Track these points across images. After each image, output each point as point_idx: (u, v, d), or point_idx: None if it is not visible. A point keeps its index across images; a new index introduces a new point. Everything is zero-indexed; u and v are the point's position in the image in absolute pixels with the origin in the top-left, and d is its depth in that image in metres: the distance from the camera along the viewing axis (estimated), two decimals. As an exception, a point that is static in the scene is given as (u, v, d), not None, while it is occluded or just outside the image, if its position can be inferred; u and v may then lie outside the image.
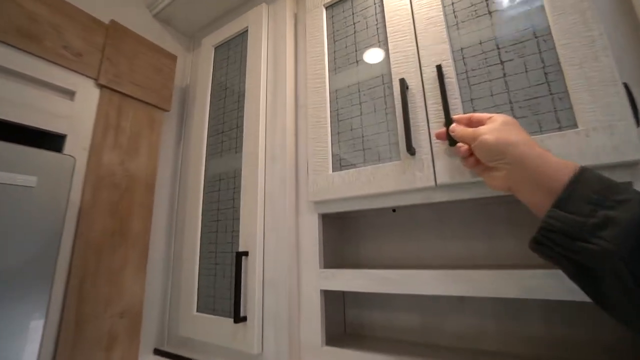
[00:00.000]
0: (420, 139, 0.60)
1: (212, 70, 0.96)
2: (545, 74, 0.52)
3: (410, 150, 0.58)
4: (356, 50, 0.74)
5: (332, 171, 0.70)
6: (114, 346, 0.74)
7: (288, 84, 0.81)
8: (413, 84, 0.63)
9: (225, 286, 0.76)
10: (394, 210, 0.86)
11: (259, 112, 0.80)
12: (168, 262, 0.92)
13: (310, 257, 0.70)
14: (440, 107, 0.58)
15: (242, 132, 0.83)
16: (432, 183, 0.57)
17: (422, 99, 0.61)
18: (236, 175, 0.81)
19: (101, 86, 0.80)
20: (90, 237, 0.72)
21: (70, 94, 0.76)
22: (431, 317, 0.71)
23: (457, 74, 0.59)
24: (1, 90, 0.64)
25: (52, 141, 0.73)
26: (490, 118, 0.44)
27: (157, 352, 0.85)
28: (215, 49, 0.98)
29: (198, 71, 0.99)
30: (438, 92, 0.59)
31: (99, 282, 0.73)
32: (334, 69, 0.76)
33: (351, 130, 0.70)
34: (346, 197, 0.66)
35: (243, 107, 0.85)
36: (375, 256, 0.86)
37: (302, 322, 0.68)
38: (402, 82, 0.62)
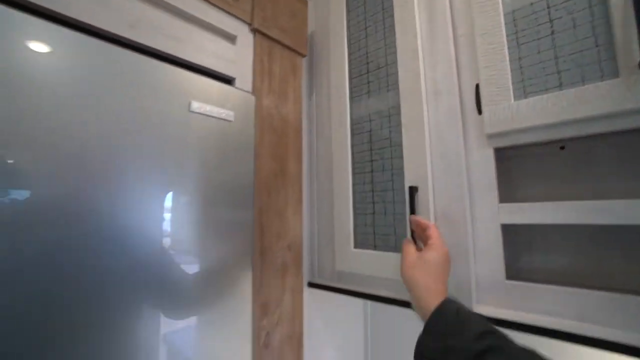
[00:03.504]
0: (652, 50, 0.51)
1: (345, 12, 0.93)
2: None
3: (642, 62, 0.51)
4: (540, -39, 0.65)
5: (514, 100, 0.65)
6: (286, 275, 0.81)
7: (446, 11, 0.74)
8: (640, -16, 0.53)
9: (387, 223, 0.78)
10: (561, 148, 0.79)
11: (416, 44, 0.75)
12: (312, 203, 0.96)
13: (484, 193, 0.68)
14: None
15: (393, 69, 0.80)
16: (673, 99, 0.50)
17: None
18: (391, 114, 0.80)
19: (255, 31, 0.82)
20: (261, 177, 0.77)
21: (231, 39, 0.78)
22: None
23: None
24: (178, 31, 0.66)
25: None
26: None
27: (311, 284, 0.91)
28: (345, -12, 0.94)
29: (330, 15, 0.96)
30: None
31: (271, 218, 0.79)
32: (507, -13, 0.68)
33: (538, 53, 0.64)
34: (539, 125, 0.61)
35: (392, 44, 0.81)
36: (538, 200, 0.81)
37: (477, 256, 0.67)
38: (629, -18, 0.53)
